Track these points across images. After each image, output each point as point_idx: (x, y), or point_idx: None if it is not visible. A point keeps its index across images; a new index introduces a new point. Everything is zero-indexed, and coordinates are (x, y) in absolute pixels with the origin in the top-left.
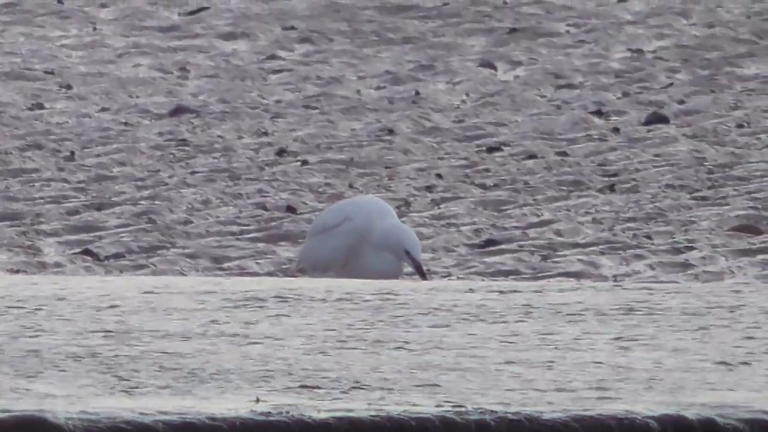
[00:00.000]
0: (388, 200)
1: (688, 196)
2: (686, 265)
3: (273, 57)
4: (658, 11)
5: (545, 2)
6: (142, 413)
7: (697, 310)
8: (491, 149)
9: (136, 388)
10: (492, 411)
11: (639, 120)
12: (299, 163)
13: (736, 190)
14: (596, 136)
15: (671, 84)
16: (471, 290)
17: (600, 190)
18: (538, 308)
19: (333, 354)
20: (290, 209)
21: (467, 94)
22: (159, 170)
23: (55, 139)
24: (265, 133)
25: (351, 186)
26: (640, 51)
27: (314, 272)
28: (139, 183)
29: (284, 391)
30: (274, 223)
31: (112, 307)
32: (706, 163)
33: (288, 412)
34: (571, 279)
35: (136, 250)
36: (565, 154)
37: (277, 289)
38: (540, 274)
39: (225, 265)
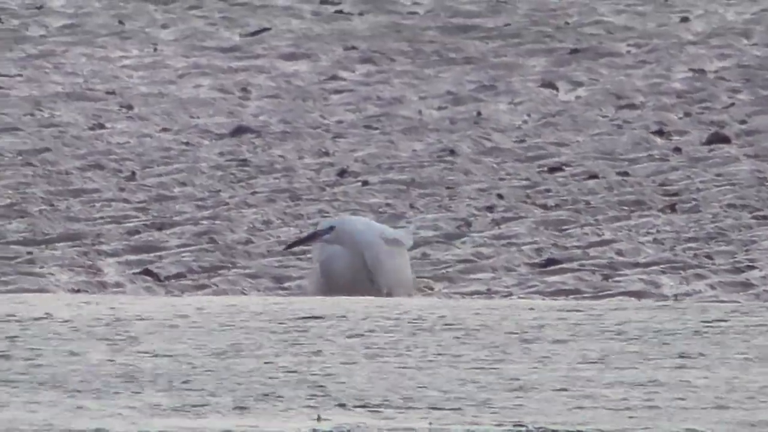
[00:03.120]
0: (449, 220)
1: (749, 215)
2: (747, 285)
3: (334, 77)
4: (719, 31)
5: (606, 22)
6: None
7: None
8: (552, 169)
9: (199, 406)
10: (553, 430)
11: (700, 140)
12: (360, 183)
13: None
14: (657, 156)
15: (732, 104)
16: (532, 309)
17: (661, 210)
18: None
19: (393, 372)
20: None
21: (528, 114)
22: (220, 190)
23: (116, 159)
24: (326, 154)
25: (412, 206)
26: (701, 71)
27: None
28: (200, 203)
29: (345, 409)
30: None
31: (172, 327)
32: None
33: (349, 431)
34: (632, 298)
35: (197, 270)
36: (626, 173)
37: (337, 307)
38: (601, 294)
39: (286, 284)
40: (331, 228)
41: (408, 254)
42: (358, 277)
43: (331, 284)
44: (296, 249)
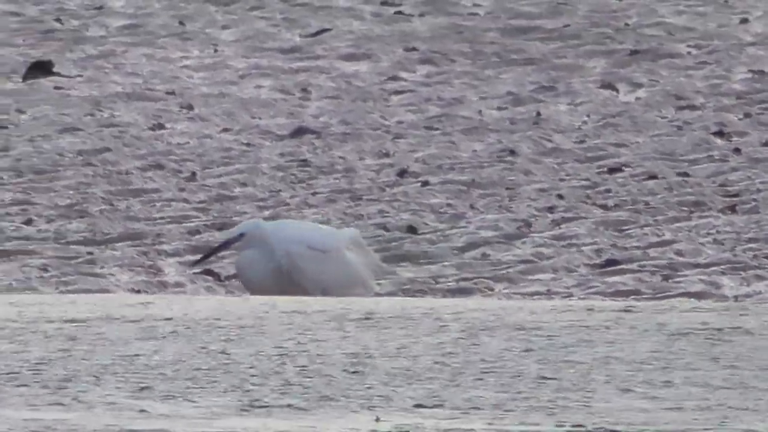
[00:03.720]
0: (509, 221)
1: None
2: None
3: (395, 78)
4: None
5: (666, 24)
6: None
7: None
8: (612, 170)
9: (261, 407)
10: (613, 431)
11: (760, 141)
12: (420, 183)
13: None
14: (717, 157)
15: None
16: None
17: (721, 211)
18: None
19: (448, 373)
20: (411, 230)
21: (588, 116)
22: (280, 190)
23: (176, 159)
24: (387, 154)
25: (472, 207)
26: (761, 72)
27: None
28: (261, 203)
29: (403, 410)
30: (395, 244)
31: (240, 327)
32: None
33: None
34: (692, 299)
35: None
36: (686, 174)
37: (398, 308)
38: (660, 295)
39: None
40: (242, 235)
41: (350, 252)
42: (283, 280)
43: (251, 288)
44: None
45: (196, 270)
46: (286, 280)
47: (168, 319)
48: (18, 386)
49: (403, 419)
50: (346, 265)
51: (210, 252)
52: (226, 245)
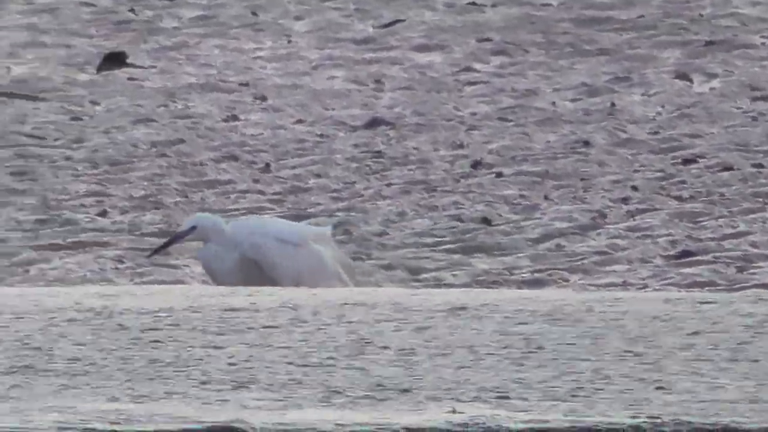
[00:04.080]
0: (583, 212)
1: None
2: None
3: (468, 69)
4: None
5: (741, 14)
6: (338, 424)
7: None
8: (687, 161)
9: (333, 399)
10: (689, 422)
11: None
12: (494, 175)
13: None
14: None
15: None
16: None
17: None
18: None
19: (529, 364)
20: (485, 221)
21: (663, 106)
22: (355, 182)
23: (250, 150)
24: (461, 145)
25: (546, 198)
26: None
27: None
28: (335, 195)
29: (478, 402)
30: (469, 235)
31: (295, 322)
32: None
33: (484, 423)
34: (767, 290)
35: None
36: (761, 165)
37: (476, 299)
38: (735, 286)
39: (421, 276)
40: (193, 228)
41: (320, 247)
42: (251, 272)
43: (218, 280)
44: (430, 240)
45: (151, 260)
46: (254, 272)
47: (238, 310)
48: (103, 378)
49: (480, 410)
50: (317, 257)
51: (163, 245)
52: (177, 238)
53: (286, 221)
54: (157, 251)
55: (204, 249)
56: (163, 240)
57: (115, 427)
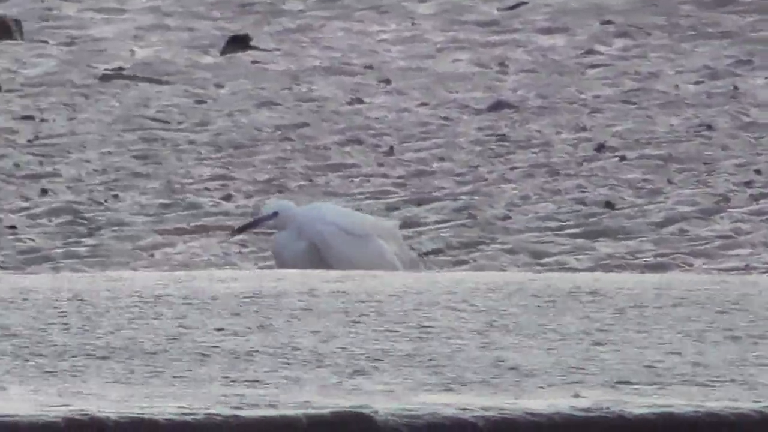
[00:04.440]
0: (707, 195)
1: None
2: None
3: (591, 52)
4: None
5: None
6: (461, 409)
7: None
8: None
9: (457, 384)
10: None
11: None
12: (617, 158)
13: None
14: None
15: None
16: None
17: None
18: None
19: (652, 348)
20: (609, 205)
21: None
22: (478, 165)
23: (374, 133)
24: (584, 129)
25: (669, 181)
26: None
27: None
28: (459, 178)
29: (603, 387)
30: (592, 219)
31: (418, 306)
32: None
33: (608, 408)
34: None
35: (456, 246)
36: None
37: (589, 283)
38: None
39: (544, 260)
40: (275, 214)
41: (384, 240)
42: (313, 260)
43: (283, 267)
44: (553, 224)
45: (234, 236)
46: (316, 259)
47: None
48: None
49: (603, 395)
50: (379, 251)
51: (243, 227)
52: (259, 222)
53: (355, 212)
54: (238, 232)
55: (280, 235)
56: (247, 221)
57: (237, 412)
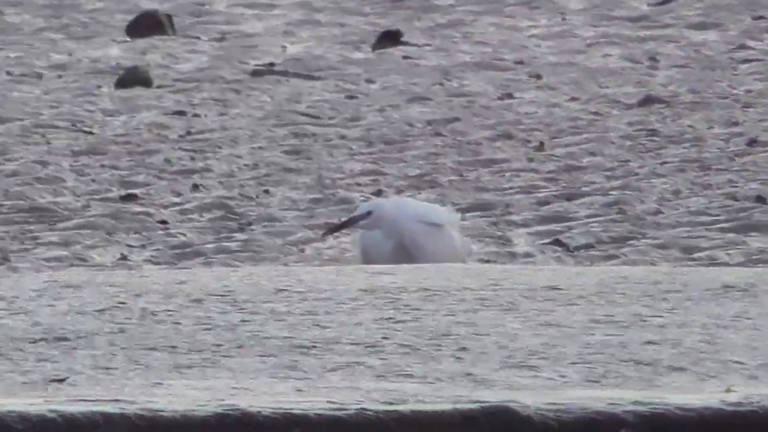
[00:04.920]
0: None
1: None
2: None
3: (743, 47)
4: None
5: None
6: (610, 403)
7: None
8: None
9: (606, 377)
10: None
11: None
12: None
13: None
14: None
15: None
16: None
17: None
18: None
19: None
20: (760, 199)
21: None
22: (629, 160)
23: (524, 129)
24: (735, 123)
25: None
26: None
27: None
28: (609, 173)
29: (756, 380)
30: (744, 214)
31: (558, 297)
32: None
33: (759, 402)
34: None
35: (606, 241)
36: None
37: (746, 279)
38: None
39: (695, 255)
40: (369, 213)
41: (452, 230)
42: (400, 261)
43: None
44: (705, 218)
45: (326, 236)
46: (403, 256)
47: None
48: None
49: (754, 389)
50: (452, 241)
51: (336, 226)
52: (352, 221)
53: (427, 204)
54: (330, 232)
55: (367, 234)
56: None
57: (388, 407)
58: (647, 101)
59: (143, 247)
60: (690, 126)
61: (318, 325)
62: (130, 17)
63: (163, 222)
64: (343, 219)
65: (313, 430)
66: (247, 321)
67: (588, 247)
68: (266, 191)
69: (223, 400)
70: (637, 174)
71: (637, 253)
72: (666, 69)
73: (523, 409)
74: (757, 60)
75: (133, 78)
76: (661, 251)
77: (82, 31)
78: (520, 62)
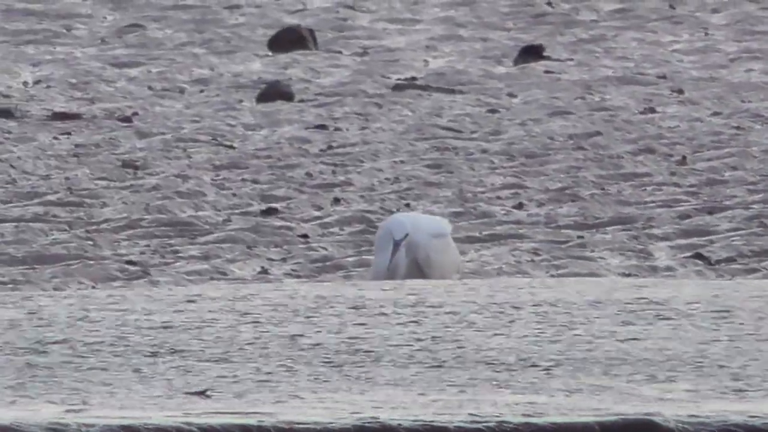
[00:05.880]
0: None
1: None
2: None
3: None
4: None
5: None
6: (751, 416)
7: None
8: None
9: (746, 391)
10: None
11: None
12: None
13: None
14: None
15: None
16: None
17: None
18: None
19: None
20: None
21: None
22: None
23: (666, 143)
24: None
25: None
26: None
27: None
28: (751, 187)
29: None
30: None
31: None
32: None
33: None
34: None
35: (748, 254)
36: None
37: None
38: None
39: None
40: (407, 235)
41: (449, 240)
42: (412, 274)
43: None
44: None
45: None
46: (415, 270)
47: (657, 304)
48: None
49: None
50: (456, 252)
51: (393, 252)
52: (397, 246)
53: (431, 216)
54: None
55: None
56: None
57: (528, 420)
58: None
59: (284, 260)
60: None
61: (456, 340)
62: (272, 32)
63: (304, 236)
64: (393, 249)
65: None
66: (385, 335)
67: (729, 260)
68: (407, 205)
69: (362, 413)
70: None
71: None
72: None
73: (664, 422)
74: None
75: (274, 92)
76: None
77: (224, 46)
78: (663, 77)
